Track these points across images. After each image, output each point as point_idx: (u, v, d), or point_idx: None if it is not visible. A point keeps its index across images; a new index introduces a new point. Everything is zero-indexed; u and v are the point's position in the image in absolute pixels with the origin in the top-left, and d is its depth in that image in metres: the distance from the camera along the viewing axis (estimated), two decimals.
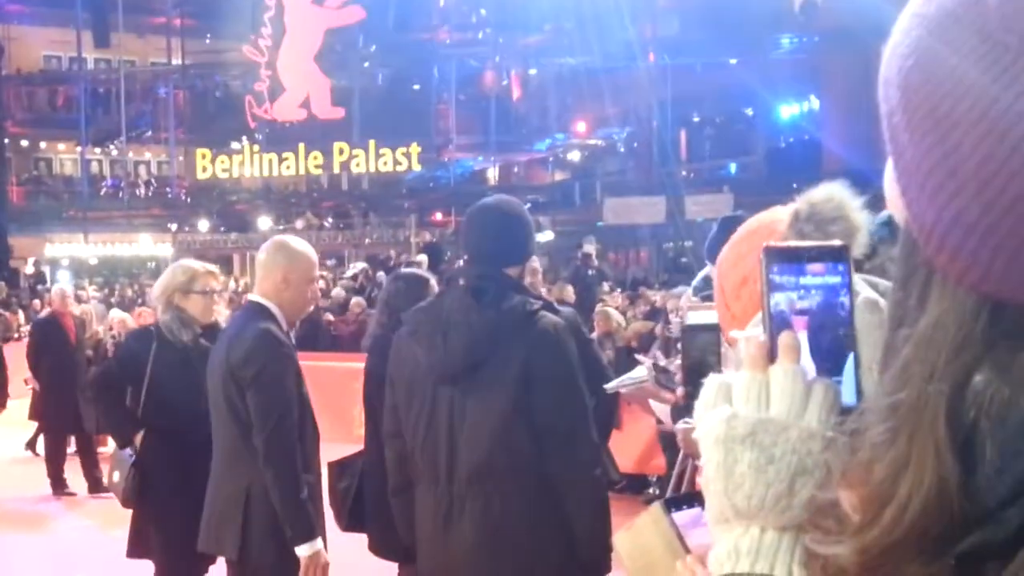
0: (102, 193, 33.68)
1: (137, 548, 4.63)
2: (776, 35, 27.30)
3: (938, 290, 0.72)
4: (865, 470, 0.74)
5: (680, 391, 2.24)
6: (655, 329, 9.41)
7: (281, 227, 27.12)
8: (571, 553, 3.05)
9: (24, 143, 34.38)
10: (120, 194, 32.90)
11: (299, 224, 27.73)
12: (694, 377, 1.87)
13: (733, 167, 30.31)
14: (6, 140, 31.41)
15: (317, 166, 29.52)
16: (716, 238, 3.32)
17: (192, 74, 33.00)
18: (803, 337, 0.85)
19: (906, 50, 0.71)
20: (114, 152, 34.32)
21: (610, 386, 4.85)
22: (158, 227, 31.33)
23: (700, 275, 3.87)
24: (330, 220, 30.96)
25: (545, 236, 24.81)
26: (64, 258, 31.22)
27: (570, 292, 11.97)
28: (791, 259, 0.87)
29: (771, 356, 0.84)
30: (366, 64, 32.11)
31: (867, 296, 1.60)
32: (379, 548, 4.42)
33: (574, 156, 34.03)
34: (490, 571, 3.06)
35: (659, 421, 6.16)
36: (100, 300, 19.64)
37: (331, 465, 4.57)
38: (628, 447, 8.09)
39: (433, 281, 4.60)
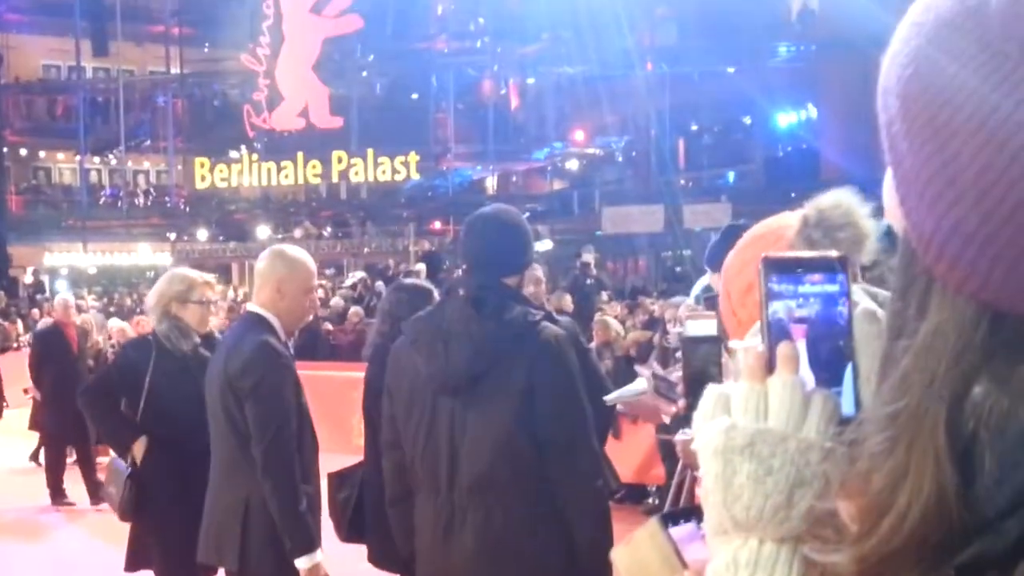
0: (101, 202, 33.72)
1: (136, 559, 4.61)
2: (774, 44, 27.39)
3: (938, 299, 0.72)
4: (864, 480, 0.74)
5: (682, 402, 2.24)
6: (653, 338, 9.39)
7: (280, 236, 27.10)
8: (572, 563, 3.03)
9: (23, 152, 34.40)
10: (119, 203, 32.88)
11: (297, 233, 27.77)
12: (696, 388, 1.87)
13: (731, 176, 30.37)
14: (5, 149, 31.44)
15: (315, 175, 29.46)
16: (718, 247, 3.31)
17: (191, 83, 32.96)
18: (802, 347, 0.84)
19: (905, 59, 0.71)
20: (113, 161, 34.36)
21: (610, 398, 4.83)
22: (157, 236, 31.28)
23: (699, 284, 3.87)
24: (328, 229, 31.01)
25: (543, 245, 24.84)
26: (63, 267, 31.15)
27: (568, 301, 11.95)
28: (789, 269, 0.87)
29: (770, 367, 0.83)
30: (364, 73, 32.14)
31: (865, 307, 1.60)
32: (379, 559, 4.40)
33: (572, 165, 34.05)
34: None
35: (661, 428, 6.14)
36: (99, 309, 19.63)
37: (331, 476, 4.55)
38: (627, 457, 8.09)
39: (436, 293, 4.58)
